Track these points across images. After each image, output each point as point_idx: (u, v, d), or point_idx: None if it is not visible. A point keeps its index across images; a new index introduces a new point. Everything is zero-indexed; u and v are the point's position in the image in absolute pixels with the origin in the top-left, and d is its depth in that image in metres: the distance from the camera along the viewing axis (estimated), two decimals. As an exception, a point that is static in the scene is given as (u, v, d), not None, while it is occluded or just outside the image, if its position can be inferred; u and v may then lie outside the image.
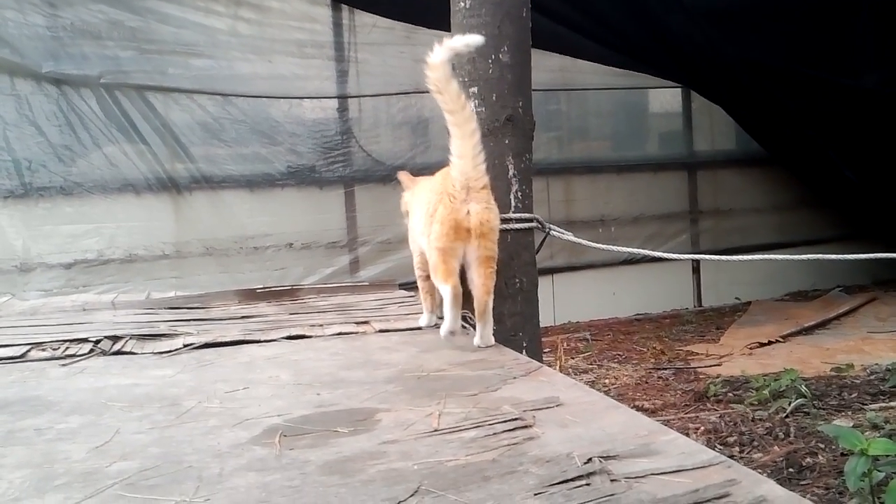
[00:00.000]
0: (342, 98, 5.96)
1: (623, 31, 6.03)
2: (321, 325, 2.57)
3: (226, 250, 5.51)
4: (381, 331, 2.49)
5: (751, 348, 5.13)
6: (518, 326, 2.56)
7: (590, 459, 1.22)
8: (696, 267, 7.08)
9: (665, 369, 4.70)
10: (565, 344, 5.42)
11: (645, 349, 5.33)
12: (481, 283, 2.14)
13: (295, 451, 1.36)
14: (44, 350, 2.31)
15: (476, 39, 2.13)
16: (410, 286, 3.83)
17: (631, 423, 1.43)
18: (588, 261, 6.40)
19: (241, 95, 5.60)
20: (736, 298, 7.01)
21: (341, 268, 5.81)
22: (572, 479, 1.15)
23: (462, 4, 2.54)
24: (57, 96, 5.19)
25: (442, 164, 5.95)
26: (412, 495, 1.13)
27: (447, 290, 2.09)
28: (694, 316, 6.57)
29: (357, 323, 2.62)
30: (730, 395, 3.94)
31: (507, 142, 2.53)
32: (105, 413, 1.64)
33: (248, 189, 5.64)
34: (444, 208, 2.11)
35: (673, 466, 1.19)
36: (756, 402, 3.71)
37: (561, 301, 6.33)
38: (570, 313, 6.42)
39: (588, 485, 1.13)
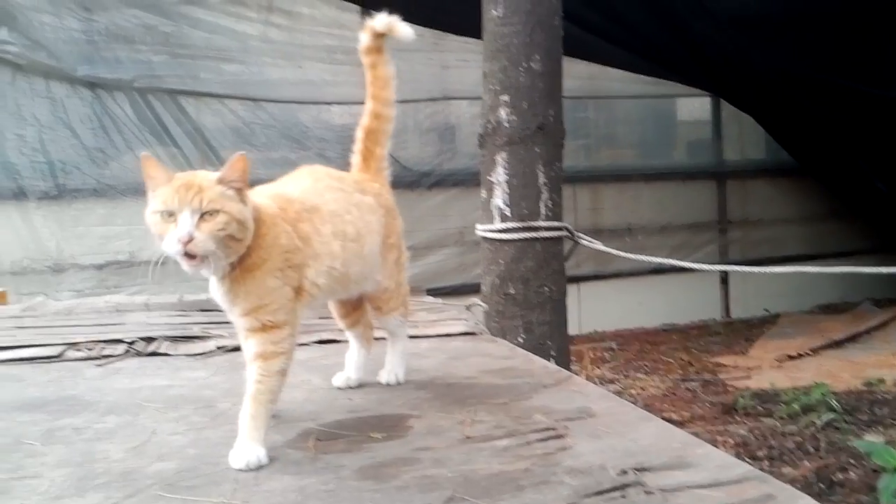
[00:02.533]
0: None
1: (651, 39, 6.01)
2: (350, 330, 2.58)
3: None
4: (411, 337, 2.49)
5: (780, 361, 5.08)
6: (546, 335, 2.56)
7: (624, 471, 1.22)
8: (724, 277, 7.02)
9: (693, 381, 4.66)
10: (591, 353, 5.40)
11: (672, 360, 5.29)
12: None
13: (329, 456, 1.37)
14: (79, 350, 2.34)
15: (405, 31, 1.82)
16: (438, 292, 3.85)
17: (664, 435, 1.43)
18: (615, 269, 6.37)
19: (271, 100, 5.67)
20: (765, 310, 6.94)
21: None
22: (607, 491, 1.15)
23: (494, 13, 2.56)
24: (91, 99, 5.28)
25: (467, 170, 5.95)
26: (446, 502, 1.14)
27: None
28: (722, 327, 6.51)
29: (386, 328, 2.63)
30: (759, 408, 3.90)
31: (537, 150, 2.54)
32: (141, 413, 1.67)
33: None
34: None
35: (708, 480, 1.18)
36: (786, 416, 3.68)
37: (587, 310, 6.30)
38: (596, 322, 6.39)
39: (623, 497, 1.13)
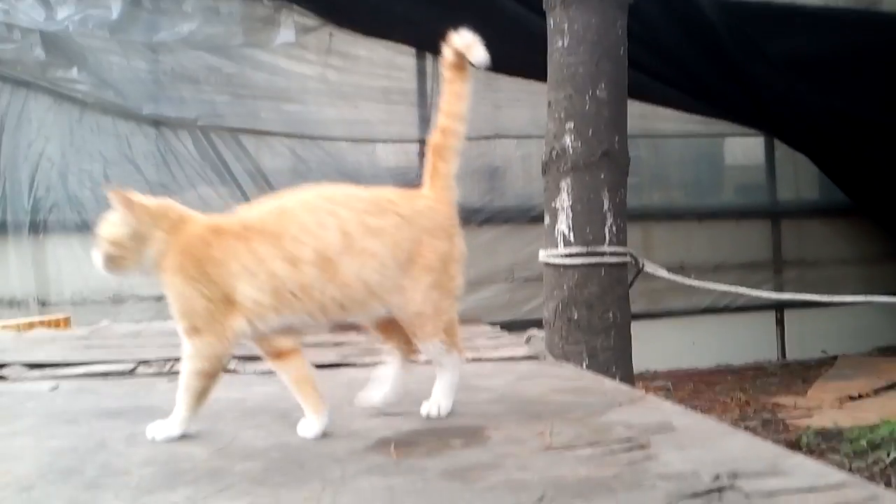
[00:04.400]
0: (423, 142, 6.09)
1: (705, 80, 6.03)
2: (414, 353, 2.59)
3: (310, 289, 5.62)
4: (474, 359, 2.49)
5: (841, 402, 4.93)
6: (611, 361, 2.54)
7: (718, 476, 1.19)
8: (779, 318, 6.88)
9: (752, 420, 4.54)
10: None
11: (728, 400, 5.17)
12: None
13: (412, 460, 1.37)
14: (150, 366, 2.39)
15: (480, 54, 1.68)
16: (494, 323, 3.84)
17: (752, 446, 1.40)
18: (667, 308, 6.29)
19: (328, 139, 5.80)
20: (822, 352, 6.76)
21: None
22: (704, 493, 1.12)
23: (560, 44, 2.61)
24: (155, 137, 5.47)
25: (517, 208, 5.97)
26: (539, 501, 1.13)
27: (460, 360, 1.74)
28: (778, 368, 6.36)
29: (449, 353, 2.63)
30: (823, 445, 3.78)
31: (602, 176, 2.55)
32: (219, 421, 1.69)
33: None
34: (462, 243, 1.71)
35: (806, 486, 1.15)
36: (852, 453, 3.56)
37: (639, 349, 6.12)
38: (648, 362, 6.28)
39: (720, 500, 1.11)
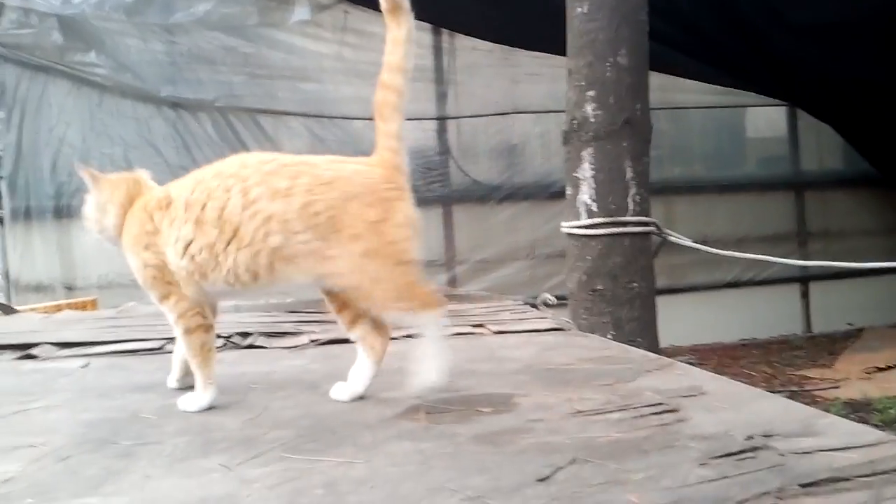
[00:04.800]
0: (441, 119, 6.08)
1: (726, 49, 5.93)
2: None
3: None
4: (499, 332, 2.49)
5: (868, 373, 4.88)
6: (636, 332, 2.53)
7: (751, 436, 1.19)
8: (804, 291, 6.81)
9: (779, 392, 4.51)
10: (669, 366, 5.28)
11: (754, 373, 5.14)
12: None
13: (442, 426, 1.37)
14: (178, 344, 2.41)
15: None
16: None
17: (784, 408, 1.39)
18: (690, 283, 6.25)
19: (346, 118, 5.78)
20: (848, 324, 6.69)
21: (439, 286, 5.86)
22: (737, 453, 1.12)
23: (579, 10, 2.57)
24: (174, 119, 5.49)
25: (537, 184, 5.94)
26: (571, 463, 1.13)
27: (438, 317, 1.58)
28: (804, 342, 6.31)
29: (472, 325, 2.63)
30: (852, 416, 3.75)
31: (624, 144, 2.52)
32: (249, 393, 1.71)
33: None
34: (408, 205, 1.58)
35: (840, 444, 1.14)
36: (881, 423, 3.53)
37: (662, 324, 6.11)
38: (672, 337, 6.22)
39: (754, 458, 1.10)
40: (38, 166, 5.47)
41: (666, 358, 1.93)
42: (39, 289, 5.49)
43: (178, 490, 1.09)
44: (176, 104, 5.50)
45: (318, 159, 1.61)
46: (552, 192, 5.94)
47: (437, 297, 1.60)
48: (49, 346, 2.42)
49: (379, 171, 1.58)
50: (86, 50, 5.36)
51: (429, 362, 1.55)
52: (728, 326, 6.47)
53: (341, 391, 1.64)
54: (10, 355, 2.34)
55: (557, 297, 2.90)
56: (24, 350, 2.37)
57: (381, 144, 1.60)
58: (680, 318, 6.33)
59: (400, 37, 1.58)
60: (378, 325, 1.67)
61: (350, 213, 1.52)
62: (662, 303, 6.15)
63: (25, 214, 5.49)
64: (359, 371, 1.66)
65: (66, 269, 5.50)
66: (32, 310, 3.68)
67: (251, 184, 1.53)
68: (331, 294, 1.66)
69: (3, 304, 3.82)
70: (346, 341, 2.35)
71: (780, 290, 6.65)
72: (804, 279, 6.84)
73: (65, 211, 5.45)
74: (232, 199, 1.52)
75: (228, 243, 1.52)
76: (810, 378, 4.91)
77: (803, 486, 0.99)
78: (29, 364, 2.23)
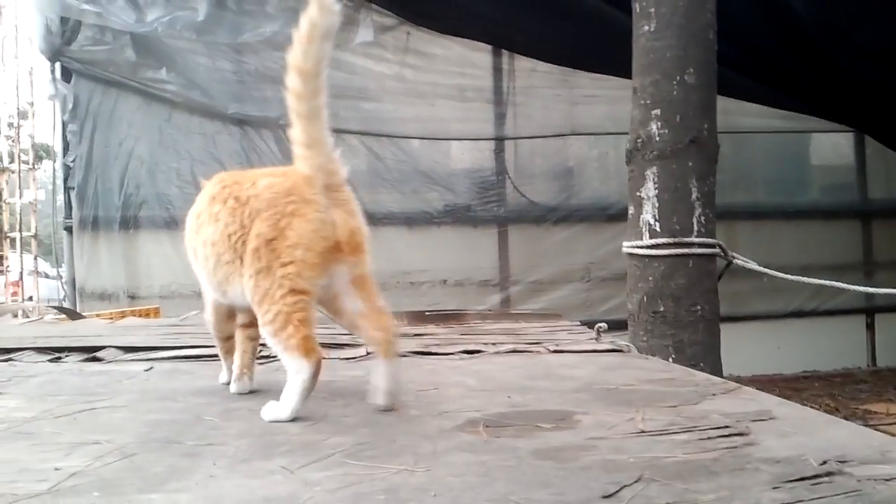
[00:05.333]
0: (499, 140, 6.09)
1: (792, 73, 5.81)
2: (494, 344, 2.58)
3: (384, 284, 5.60)
4: (556, 351, 2.46)
5: (938, 410, 4.67)
6: (699, 356, 2.46)
7: (825, 461, 1.14)
8: (870, 323, 6.57)
9: (842, 426, 4.34)
10: (728, 396, 5.14)
11: (817, 406, 4.95)
12: (378, 310, 1.61)
13: (502, 440, 1.36)
14: (239, 352, 2.44)
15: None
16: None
17: (858, 434, 1.33)
18: (752, 311, 6.09)
19: (404, 136, 5.85)
20: (916, 358, 6.43)
21: (493, 306, 5.84)
22: (812, 477, 1.07)
23: (646, 28, 2.54)
24: (239, 136, 5.62)
25: (594, 206, 5.92)
26: (636, 481, 1.10)
27: (306, 367, 1.48)
28: (868, 375, 6.08)
29: (529, 343, 2.61)
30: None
31: (690, 164, 2.48)
32: (309, 401, 1.69)
33: (406, 226, 5.83)
34: (305, 224, 1.48)
35: (922, 474, 1.09)
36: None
37: (721, 353, 6.03)
38: (731, 367, 6.05)
39: (830, 483, 1.05)
40: (107, 178, 5.66)
41: (732, 382, 1.87)
42: (104, 297, 5.65)
43: (242, 489, 1.09)
44: (241, 121, 5.63)
45: (248, 176, 1.59)
46: (609, 215, 5.89)
47: (315, 347, 1.50)
48: (114, 349, 2.49)
49: (287, 183, 1.51)
50: (157, 67, 5.54)
51: (287, 400, 1.50)
52: (790, 357, 6.27)
53: (374, 398, 1.60)
54: (76, 357, 2.40)
55: (612, 322, 2.86)
56: (90, 353, 2.44)
57: (295, 153, 1.54)
58: (740, 347, 6.17)
59: (302, 35, 1.47)
60: (374, 319, 1.60)
61: (253, 229, 1.50)
62: (723, 331, 6.03)
63: (93, 224, 5.66)
64: (378, 373, 1.61)
65: (130, 278, 5.65)
66: (98, 316, 3.79)
67: (201, 207, 1.63)
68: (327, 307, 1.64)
69: (69, 310, 3.95)
70: (402, 354, 2.37)
71: (844, 322, 6.43)
72: (870, 310, 6.61)
73: (131, 222, 5.62)
74: (189, 222, 1.67)
75: (196, 264, 1.67)
76: (875, 413, 4.72)
77: (885, 513, 0.94)
78: (94, 366, 2.28)
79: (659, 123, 2.46)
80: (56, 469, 1.20)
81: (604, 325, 2.68)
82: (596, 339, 2.58)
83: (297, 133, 1.52)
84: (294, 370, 1.49)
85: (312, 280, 1.48)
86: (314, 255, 1.47)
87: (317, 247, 1.47)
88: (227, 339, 1.82)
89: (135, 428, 1.49)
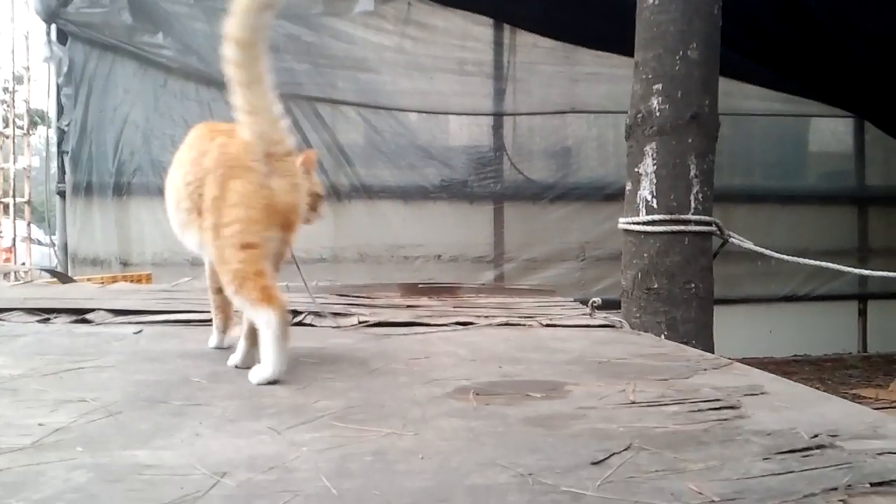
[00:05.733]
0: (497, 115, 6.04)
1: (795, 56, 5.77)
2: (486, 317, 2.57)
3: (378, 257, 5.67)
4: (549, 325, 2.45)
5: (926, 395, 4.70)
6: (691, 334, 2.46)
7: (816, 434, 1.13)
8: (862, 309, 6.58)
9: (831, 409, 4.36)
10: (718, 376, 5.16)
11: (807, 388, 4.98)
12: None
13: (492, 407, 1.35)
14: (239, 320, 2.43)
15: None
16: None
17: (850, 411, 1.33)
18: (744, 294, 6.10)
19: (403, 110, 5.80)
20: (906, 345, 6.46)
21: (487, 283, 5.82)
22: (802, 450, 1.07)
23: (650, 1, 2.51)
24: (236, 104, 5.56)
25: (590, 185, 5.90)
26: (626, 449, 1.09)
27: (273, 316, 1.48)
28: (858, 361, 6.10)
29: (522, 317, 2.60)
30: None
31: (689, 141, 2.46)
32: (299, 366, 1.70)
33: (402, 200, 5.80)
34: (245, 184, 1.51)
35: (913, 449, 1.08)
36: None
37: (714, 335, 6.04)
38: (723, 349, 5.97)
39: (821, 455, 1.05)
40: (101, 143, 5.60)
41: (724, 358, 1.87)
42: (96, 263, 5.62)
43: (228, 448, 1.08)
44: (237, 88, 5.55)
45: (218, 130, 1.64)
46: (606, 195, 5.86)
47: (275, 294, 1.50)
48: (104, 312, 2.47)
49: (233, 145, 1.55)
50: (153, 31, 5.47)
51: (265, 358, 1.50)
52: (781, 341, 6.29)
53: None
54: (65, 319, 2.39)
55: (606, 302, 2.85)
56: (80, 315, 2.42)
57: (236, 119, 1.55)
58: (732, 330, 6.17)
59: (240, 4, 1.49)
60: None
61: (205, 186, 1.55)
62: (716, 313, 6.05)
63: (86, 190, 5.62)
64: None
65: (122, 244, 5.62)
66: (89, 280, 3.77)
67: (178, 153, 1.69)
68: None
69: (60, 273, 3.92)
70: (394, 324, 2.36)
71: (837, 307, 6.45)
72: (863, 297, 6.62)
73: (125, 188, 5.57)
74: (172, 168, 1.70)
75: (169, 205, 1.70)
76: (864, 397, 4.74)
77: (874, 484, 0.93)
78: (83, 328, 2.27)
79: (660, 98, 2.44)
80: (40, 424, 1.19)
81: (598, 299, 2.68)
82: (590, 314, 2.58)
83: (237, 100, 1.52)
84: (263, 324, 1.50)
85: (259, 233, 1.51)
86: (256, 212, 1.51)
87: (257, 204, 1.51)
88: (218, 293, 1.79)
89: (122, 387, 1.48)
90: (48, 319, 2.37)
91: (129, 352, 1.89)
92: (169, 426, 1.20)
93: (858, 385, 5.19)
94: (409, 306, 2.84)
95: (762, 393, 1.45)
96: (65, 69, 5.55)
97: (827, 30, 5.58)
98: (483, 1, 5.75)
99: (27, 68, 6.82)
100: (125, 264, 5.64)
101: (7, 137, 6.65)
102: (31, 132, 7.23)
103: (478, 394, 1.44)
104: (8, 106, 7.26)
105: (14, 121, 6.90)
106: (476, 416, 1.27)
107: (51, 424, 1.19)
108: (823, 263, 2.78)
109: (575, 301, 3.06)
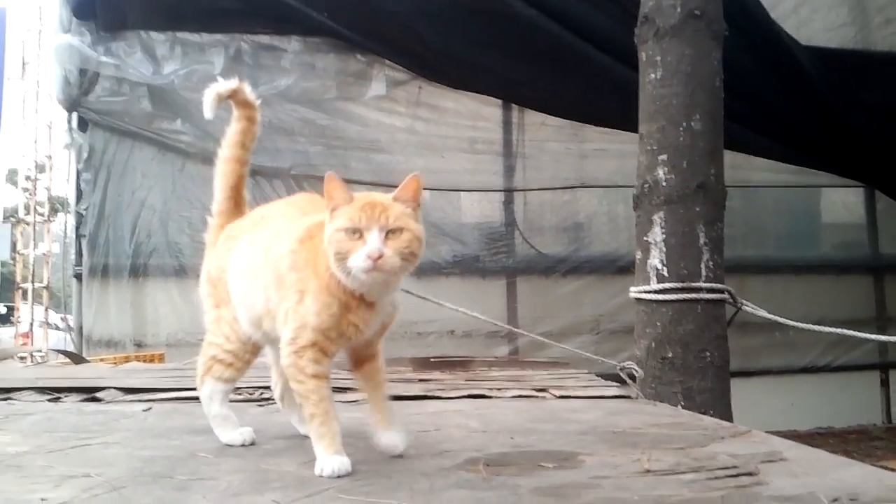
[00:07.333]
0: (508, 191, 6.11)
1: (801, 129, 5.83)
2: (499, 390, 2.54)
3: (391, 334, 5.58)
4: (562, 397, 2.42)
5: (959, 469, 4.53)
6: (708, 404, 2.41)
7: (837, 499, 1.09)
8: (884, 379, 6.44)
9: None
10: (740, 452, 5.01)
11: (833, 462, 4.82)
12: None
13: (502, 478, 1.32)
14: (241, 394, 2.41)
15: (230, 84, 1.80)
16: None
17: (870, 475, 1.29)
18: (763, 366, 5.98)
19: (415, 188, 5.87)
20: (932, 416, 6.28)
21: (501, 357, 5.77)
22: (823, 515, 1.03)
23: (652, 76, 2.56)
24: (251, 185, 5.63)
25: (603, 258, 5.86)
26: (640, 518, 1.06)
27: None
28: (883, 432, 5.93)
29: (535, 389, 2.56)
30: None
31: (697, 209, 2.46)
32: (306, 441, 1.66)
33: (415, 276, 5.77)
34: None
35: (940, 515, 1.04)
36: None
37: (733, 408, 5.91)
38: (742, 422, 5.79)
39: (843, 521, 1.01)
40: (118, 226, 5.68)
41: (742, 426, 1.82)
42: (110, 344, 5.62)
43: (230, 521, 1.06)
44: (254, 171, 5.64)
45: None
46: (619, 267, 5.85)
47: None
48: (114, 390, 2.46)
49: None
50: (172, 118, 5.62)
51: None
52: (803, 414, 6.13)
53: None
54: (75, 398, 2.38)
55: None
56: (90, 394, 2.41)
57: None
58: (751, 403, 6.03)
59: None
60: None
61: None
62: (734, 386, 5.90)
63: (103, 272, 5.67)
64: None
65: (137, 325, 5.63)
66: (101, 360, 3.76)
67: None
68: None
69: (73, 353, 3.93)
70: (404, 398, 2.33)
71: (858, 377, 6.31)
72: (884, 366, 6.48)
73: (141, 269, 5.62)
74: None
75: None
76: (891, 469, 4.56)
77: (901, 552, 0.89)
78: (92, 406, 2.26)
79: (665, 168, 2.46)
80: (42, 500, 1.17)
81: (631, 362, 2.63)
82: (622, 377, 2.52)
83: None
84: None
85: None
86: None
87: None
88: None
89: (127, 463, 1.46)
90: (58, 398, 2.36)
91: (137, 428, 1.87)
92: (172, 500, 1.18)
93: (885, 457, 5.03)
94: (420, 380, 2.81)
95: (781, 459, 1.41)
96: (85, 155, 5.69)
97: (829, 102, 5.66)
98: (491, 83, 5.89)
99: (49, 157, 7.03)
100: (139, 345, 5.63)
101: (28, 224, 6.79)
102: (51, 219, 7.39)
103: (488, 465, 1.41)
104: (30, 194, 7.43)
105: (35, 208, 7.06)
106: (486, 487, 1.24)
107: (53, 500, 1.17)
108: (838, 330, 2.74)
109: (589, 373, 3.03)
